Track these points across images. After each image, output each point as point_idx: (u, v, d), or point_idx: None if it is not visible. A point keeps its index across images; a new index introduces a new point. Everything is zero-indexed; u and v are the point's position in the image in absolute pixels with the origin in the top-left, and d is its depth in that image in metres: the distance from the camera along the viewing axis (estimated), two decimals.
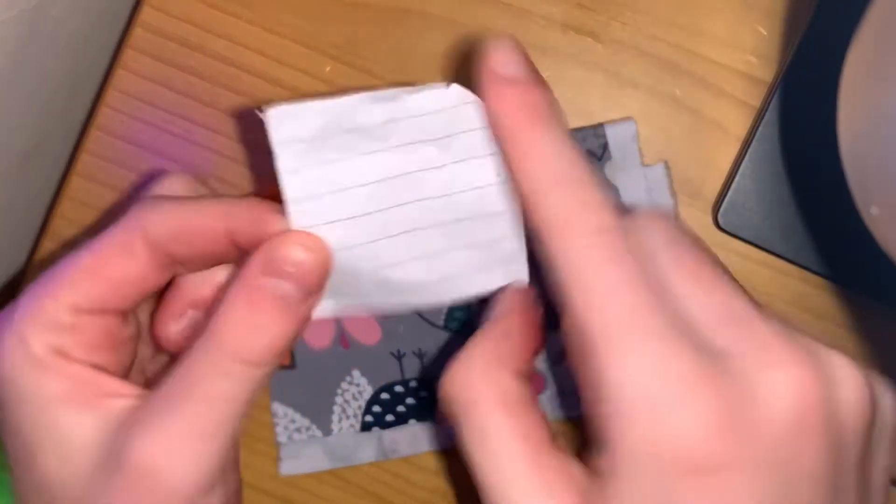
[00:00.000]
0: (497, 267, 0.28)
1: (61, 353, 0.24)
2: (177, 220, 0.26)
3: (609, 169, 0.36)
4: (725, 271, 0.22)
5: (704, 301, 0.21)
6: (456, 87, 0.26)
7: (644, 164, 0.36)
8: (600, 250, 0.21)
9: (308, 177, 0.26)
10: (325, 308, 0.28)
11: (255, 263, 0.25)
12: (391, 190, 0.27)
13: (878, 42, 0.22)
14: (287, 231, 0.25)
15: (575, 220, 0.22)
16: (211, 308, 0.26)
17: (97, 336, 0.25)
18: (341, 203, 0.27)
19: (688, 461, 0.19)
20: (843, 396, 0.20)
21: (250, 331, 0.24)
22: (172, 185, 0.29)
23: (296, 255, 0.25)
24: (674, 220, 0.23)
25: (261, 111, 0.26)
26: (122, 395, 0.24)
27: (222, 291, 0.25)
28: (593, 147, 0.36)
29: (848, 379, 0.21)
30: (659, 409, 0.20)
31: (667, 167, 0.36)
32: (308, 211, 0.26)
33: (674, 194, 0.36)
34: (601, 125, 0.36)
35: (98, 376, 0.25)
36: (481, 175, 0.27)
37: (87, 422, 0.23)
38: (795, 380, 0.20)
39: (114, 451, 0.23)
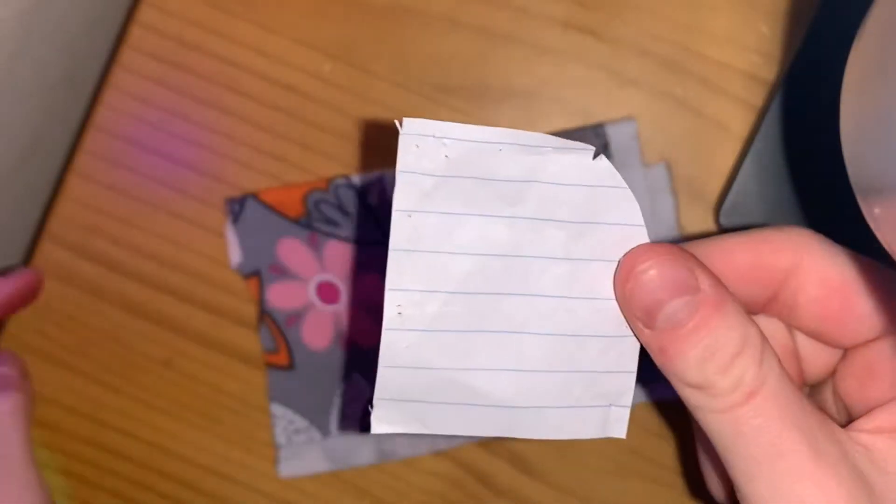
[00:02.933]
0: (595, 408, 0.23)
1: None
2: None
3: None
4: None
5: None
6: (605, 162, 0.23)
7: (645, 164, 0.36)
8: None
9: (419, 224, 0.22)
10: (384, 416, 0.22)
11: None
12: (502, 272, 0.22)
13: (881, 41, 0.22)
14: None
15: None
16: None
17: None
18: (444, 270, 0.22)
19: None
20: None
21: None
22: None
23: None
24: None
25: (399, 124, 0.21)
26: None
27: None
28: (594, 147, 0.36)
29: None
30: None
31: (668, 167, 0.36)
32: (406, 267, 0.22)
33: (675, 194, 0.36)
34: (602, 125, 0.36)
35: None
36: (604, 284, 0.22)
37: None
38: None
39: None
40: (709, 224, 0.36)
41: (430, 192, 0.21)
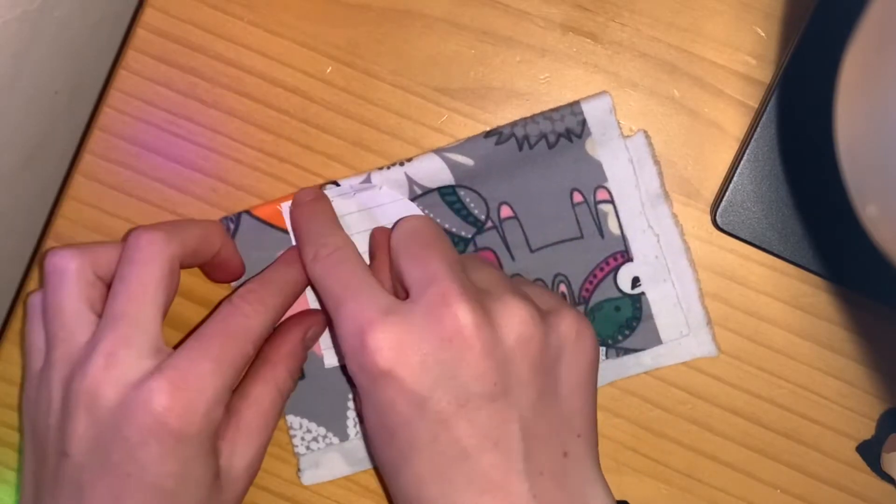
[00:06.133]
0: None
1: None
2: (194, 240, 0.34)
3: (590, 145, 0.36)
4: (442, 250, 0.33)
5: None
6: (386, 189, 0.36)
7: (624, 136, 0.36)
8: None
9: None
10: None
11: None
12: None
13: (875, 43, 0.23)
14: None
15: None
16: None
17: None
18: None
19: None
20: (509, 324, 0.31)
21: None
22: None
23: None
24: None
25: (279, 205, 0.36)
26: None
27: None
28: (572, 125, 0.36)
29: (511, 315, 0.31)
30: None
31: (646, 135, 0.36)
32: None
33: (657, 162, 0.36)
34: (577, 102, 0.36)
35: None
36: None
37: None
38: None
39: None
40: (705, 223, 0.37)
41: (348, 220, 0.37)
